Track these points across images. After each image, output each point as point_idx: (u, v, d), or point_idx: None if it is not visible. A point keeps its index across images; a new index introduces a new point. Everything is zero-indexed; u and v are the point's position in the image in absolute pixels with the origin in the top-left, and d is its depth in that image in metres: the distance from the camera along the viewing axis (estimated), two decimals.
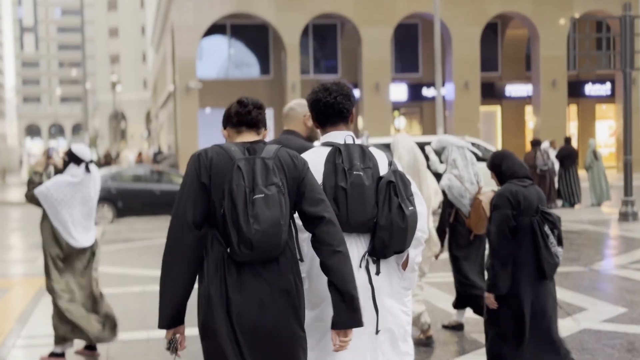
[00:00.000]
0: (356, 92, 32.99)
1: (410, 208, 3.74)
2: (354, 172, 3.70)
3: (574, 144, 27.59)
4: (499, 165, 5.49)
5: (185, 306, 3.52)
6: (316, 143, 4.38)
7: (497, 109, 37.57)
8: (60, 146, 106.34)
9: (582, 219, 17.67)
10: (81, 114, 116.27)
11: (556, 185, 20.53)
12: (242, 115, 3.61)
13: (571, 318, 7.64)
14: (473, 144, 21.83)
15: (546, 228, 5.22)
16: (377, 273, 3.76)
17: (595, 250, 13.51)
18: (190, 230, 3.41)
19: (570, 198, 20.54)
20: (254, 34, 35.71)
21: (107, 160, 38.60)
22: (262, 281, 3.41)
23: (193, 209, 3.42)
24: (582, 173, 21.46)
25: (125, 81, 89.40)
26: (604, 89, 36.99)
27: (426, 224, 4.08)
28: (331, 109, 3.90)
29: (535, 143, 21.00)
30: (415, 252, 3.96)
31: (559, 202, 20.77)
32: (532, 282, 5.29)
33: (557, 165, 20.46)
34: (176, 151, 33.50)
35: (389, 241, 3.69)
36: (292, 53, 32.73)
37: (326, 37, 36.02)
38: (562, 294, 9.39)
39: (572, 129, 36.56)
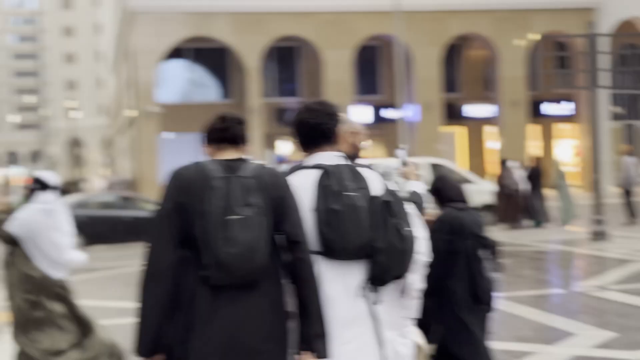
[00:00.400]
0: None
1: (407, 229, 3.47)
2: (347, 194, 3.40)
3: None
4: (439, 189, 5.37)
5: (164, 332, 3.30)
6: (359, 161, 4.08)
7: (457, 130, 37.57)
8: (18, 174, 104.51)
9: (552, 239, 17.55)
10: (37, 141, 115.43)
11: (523, 204, 20.47)
12: (223, 131, 3.45)
13: None
14: (438, 165, 21.65)
15: (481, 252, 5.12)
16: (376, 302, 3.45)
17: (572, 271, 13.39)
18: (167, 252, 3.22)
19: (539, 217, 20.46)
20: (214, 58, 35.32)
21: (66, 189, 37.56)
22: (240, 307, 3.22)
23: (169, 229, 3.24)
24: (549, 192, 21.43)
25: (82, 107, 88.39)
26: (564, 108, 37.20)
27: (425, 246, 3.76)
28: (317, 130, 3.62)
29: (504, 162, 20.99)
30: (414, 277, 3.63)
31: (528, 222, 20.67)
32: (465, 309, 5.10)
33: (526, 185, 20.40)
34: (138, 177, 32.87)
35: (387, 266, 3.39)
36: (253, 76, 32.50)
37: (287, 60, 35.79)
38: (547, 318, 9.17)
39: (534, 148, 36.66)
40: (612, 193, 27.77)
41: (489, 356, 5.27)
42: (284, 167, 3.90)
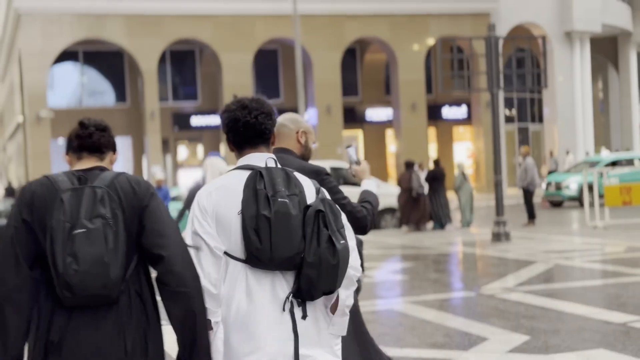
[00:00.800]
0: (213, 118, 32.33)
1: (342, 242, 3.10)
2: (279, 199, 3.08)
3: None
4: None
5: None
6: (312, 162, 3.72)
7: (358, 133, 37.66)
8: None
9: (455, 241, 17.57)
10: None
11: (425, 207, 20.52)
12: (83, 139, 3.18)
13: None
14: (338, 169, 21.50)
15: None
16: (304, 317, 3.13)
17: (478, 273, 13.32)
18: (14, 273, 2.92)
19: (441, 219, 20.56)
20: (108, 61, 34.43)
21: None
22: (94, 330, 2.95)
23: (13, 250, 2.94)
24: (450, 194, 21.59)
25: None
26: (461, 111, 37.85)
27: (359, 260, 3.39)
28: (252, 129, 3.30)
29: (409, 165, 20.95)
30: (346, 294, 3.28)
31: (430, 225, 20.76)
32: None
33: (426, 188, 20.45)
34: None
35: (317, 280, 3.06)
36: (150, 80, 31.68)
37: (185, 63, 35.19)
38: (458, 322, 8.96)
39: (431, 151, 37.12)
40: (509, 195, 28.35)
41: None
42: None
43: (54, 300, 2.93)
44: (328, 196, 3.33)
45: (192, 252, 3.06)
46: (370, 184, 4.30)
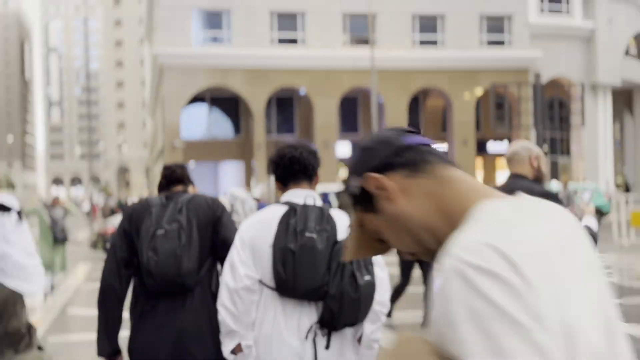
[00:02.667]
0: None
1: (367, 278, 2.61)
2: (307, 235, 2.61)
3: None
4: None
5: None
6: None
7: None
8: (78, 194, 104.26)
9: None
10: (94, 167, 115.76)
11: None
12: (167, 176, 3.33)
13: None
14: None
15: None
16: (327, 347, 2.62)
17: None
18: (119, 267, 3.01)
19: None
20: (228, 104, 33.97)
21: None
22: (176, 313, 2.92)
23: (119, 250, 3.03)
24: None
25: (130, 142, 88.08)
26: (502, 146, 36.17)
27: (387, 296, 2.77)
28: (296, 163, 2.78)
29: None
30: (371, 328, 2.72)
31: None
32: None
33: None
34: None
35: (338, 313, 2.58)
36: (258, 118, 31.32)
37: (286, 106, 34.39)
38: None
39: (479, 177, 35.63)
40: None
41: None
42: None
43: (144, 290, 2.94)
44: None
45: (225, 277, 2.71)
46: (589, 218, 3.77)
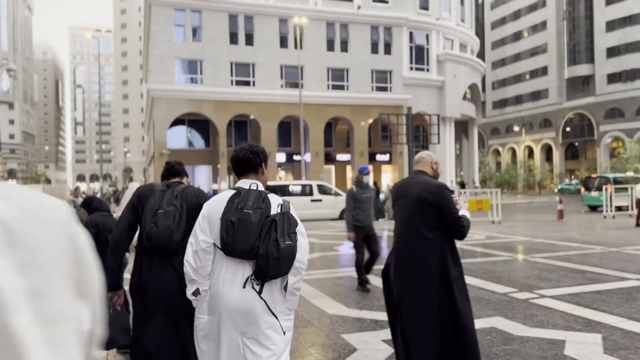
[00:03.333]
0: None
1: (287, 243, 2.29)
2: (245, 210, 2.32)
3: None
4: (90, 204, 4.19)
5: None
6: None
7: (332, 167, 35.66)
8: (94, 185, 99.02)
9: (385, 227, 15.52)
10: (107, 168, 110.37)
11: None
12: (168, 170, 3.03)
13: None
14: (322, 185, 19.55)
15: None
16: (260, 293, 2.30)
17: None
18: (126, 230, 2.76)
19: (378, 215, 18.57)
20: (201, 124, 32.24)
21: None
22: (165, 268, 2.66)
23: (127, 217, 2.77)
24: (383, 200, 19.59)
25: (133, 151, 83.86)
26: (385, 157, 36.13)
27: (306, 256, 2.40)
28: (241, 161, 2.55)
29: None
30: (294, 279, 2.38)
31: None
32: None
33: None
34: None
35: (265, 268, 2.26)
36: (222, 135, 29.75)
37: (241, 126, 32.92)
38: None
39: (371, 179, 35.39)
40: None
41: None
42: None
43: (144, 249, 2.73)
44: (292, 211, 2.41)
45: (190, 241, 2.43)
46: (464, 211, 3.05)
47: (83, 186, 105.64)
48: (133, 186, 7.07)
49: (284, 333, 2.33)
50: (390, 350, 3.94)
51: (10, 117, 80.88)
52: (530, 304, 5.52)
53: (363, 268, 6.59)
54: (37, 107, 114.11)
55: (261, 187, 2.46)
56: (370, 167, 33.35)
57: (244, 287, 2.29)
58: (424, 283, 2.75)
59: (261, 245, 2.26)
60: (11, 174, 77.23)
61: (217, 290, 2.33)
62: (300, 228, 2.37)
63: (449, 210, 2.83)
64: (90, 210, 4.21)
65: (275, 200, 2.41)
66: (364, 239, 6.67)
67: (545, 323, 4.73)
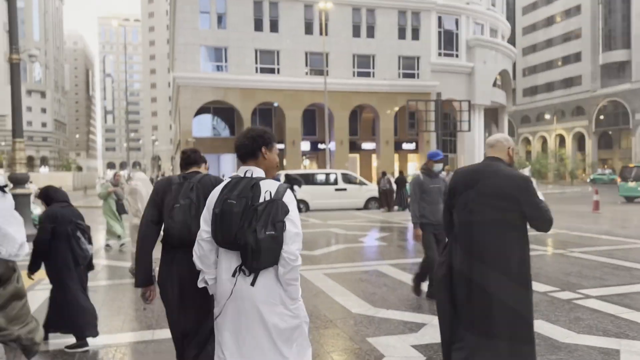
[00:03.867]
0: (281, 146, 30.38)
1: (268, 232, 2.09)
2: (228, 201, 2.19)
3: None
4: (47, 194, 4.01)
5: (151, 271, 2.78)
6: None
7: (357, 156, 35.24)
8: (123, 173, 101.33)
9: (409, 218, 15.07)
10: (137, 156, 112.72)
11: (394, 197, 18.12)
12: (184, 159, 2.96)
13: None
14: (346, 174, 19.23)
15: (78, 233, 3.90)
16: (252, 284, 2.14)
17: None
18: (149, 225, 2.74)
19: (404, 205, 18.13)
20: (226, 112, 32.23)
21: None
22: (184, 261, 2.60)
23: (150, 214, 2.74)
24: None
25: (161, 139, 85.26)
26: (412, 146, 35.45)
27: (295, 246, 2.15)
28: (238, 149, 2.37)
29: (384, 174, 18.53)
30: (283, 271, 2.15)
31: (396, 207, 18.33)
32: (65, 269, 3.91)
33: (395, 186, 18.06)
34: None
35: (246, 258, 2.13)
36: (247, 123, 29.65)
37: (265, 115, 32.77)
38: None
39: (396, 166, 34.84)
40: None
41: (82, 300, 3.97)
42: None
43: (167, 245, 2.69)
44: (288, 197, 2.19)
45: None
46: (541, 197, 2.72)
47: (110, 174, 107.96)
48: (138, 176, 6.90)
49: (291, 320, 2.20)
50: (420, 357, 3.58)
51: (42, 105, 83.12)
52: (575, 305, 5.06)
53: (428, 274, 5.38)
54: (68, 95, 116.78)
55: (257, 174, 2.29)
56: (396, 156, 32.41)
57: (233, 276, 2.22)
58: (508, 281, 2.57)
59: (241, 236, 2.15)
60: (43, 162, 79.60)
61: (219, 279, 2.30)
62: (292, 216, 2.17)
63: (537, 206, 2.57)
64: (49, 202, 3.99)
65: (266, 187, 2.22)
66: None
67: (594, 329, 4.28)
